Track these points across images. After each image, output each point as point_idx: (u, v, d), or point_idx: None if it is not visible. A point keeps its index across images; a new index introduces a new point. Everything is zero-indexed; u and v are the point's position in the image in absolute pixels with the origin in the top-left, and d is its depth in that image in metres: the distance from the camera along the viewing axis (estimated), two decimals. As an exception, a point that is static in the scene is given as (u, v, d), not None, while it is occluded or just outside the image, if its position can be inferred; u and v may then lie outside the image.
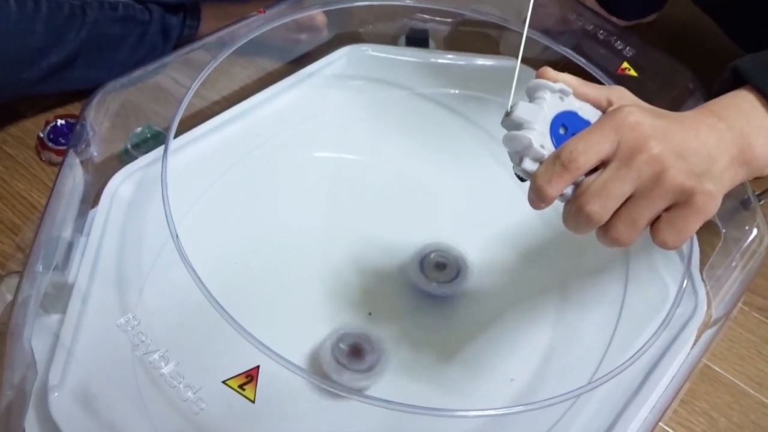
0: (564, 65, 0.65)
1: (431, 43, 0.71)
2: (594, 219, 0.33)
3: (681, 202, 0.33)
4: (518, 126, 0.34)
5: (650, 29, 0.83)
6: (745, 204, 0.53)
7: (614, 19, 0.79)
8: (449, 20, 0.71)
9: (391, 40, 0.70)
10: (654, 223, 0.34)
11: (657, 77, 0.60)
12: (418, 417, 0.36)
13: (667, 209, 0.33)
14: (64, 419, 0.39)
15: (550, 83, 0.35)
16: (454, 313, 0.52)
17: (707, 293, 0.50)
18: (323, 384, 0.34)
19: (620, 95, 0.37)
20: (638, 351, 0.40)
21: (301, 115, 0.62)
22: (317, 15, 0.68)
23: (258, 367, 0.36)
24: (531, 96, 0.36)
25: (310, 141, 0.61)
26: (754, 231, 0.51)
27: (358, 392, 0.34)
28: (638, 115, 0.33)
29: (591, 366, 0.48)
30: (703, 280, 0.51)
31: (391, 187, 0.59)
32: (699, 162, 0.33)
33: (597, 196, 0.33)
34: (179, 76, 0.59)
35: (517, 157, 0.35)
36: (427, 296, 0.53)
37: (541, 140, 0.34)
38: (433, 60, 0.68)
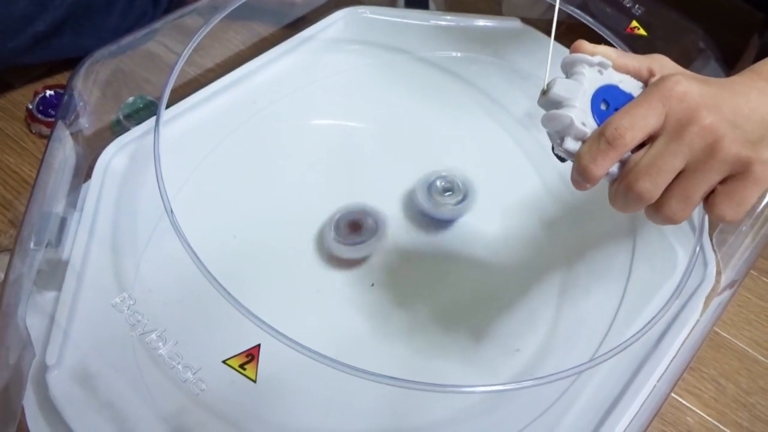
0: (570, 25, 0.63)
1: (431, 4, 0.68)
2: (645, 197, 0.32)
3: (737, 172, 0.31)
4: (557, 104, 0.33)
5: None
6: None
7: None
8: (450, -20, 0.68)
9: (390, 2, 0.68)
10: (709, 196, 0.32)
11: (667, 36, 0.58)
12: (425, 392, 0.35)
13: (722, 181, 0.32)
14: (63, 399, 0.39)
15: (588, 57, 0.33)
16: (461, 281, 0.51)
17: (717, 261, 0.49)
18: (326, 362, 0.33)
19: (661, 64, 0.35)
20: (649, 322, 0.39)
21: (298, 81, 0.61)
22: (313, -24, 0.66)
23: (259, 345, 0.35)
24: (568, 72, 0.34)
25: (308, 108, 0.60)
26: (767, 196, 0.49)
27: (362, 370, 0.33)
28: (685, 84, 0.31)
29: (599, 335, 0.48)
30: (713, 246, 0.50)
31: (392, 153, 0.58)
32: (753, 129, 0.31)
33: (647, 173, 0.31)
34: (170, 42, 0.57)
35: (557, 137, 0.33)
36: (435, 255, 0.52)
37: (582, 118, 0.32)
38: (433, 22, 0.66)
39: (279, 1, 0.67)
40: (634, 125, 0.31)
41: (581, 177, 0.32)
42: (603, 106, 0.33)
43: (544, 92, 0.33)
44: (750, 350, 0.53)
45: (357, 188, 0.55)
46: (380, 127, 0.60)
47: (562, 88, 0.32)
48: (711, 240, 0.50)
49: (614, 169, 0.32)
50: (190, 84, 0.59)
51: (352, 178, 0.56)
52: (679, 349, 0.45)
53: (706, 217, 0.51)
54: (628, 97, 0.33)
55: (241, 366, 0.35)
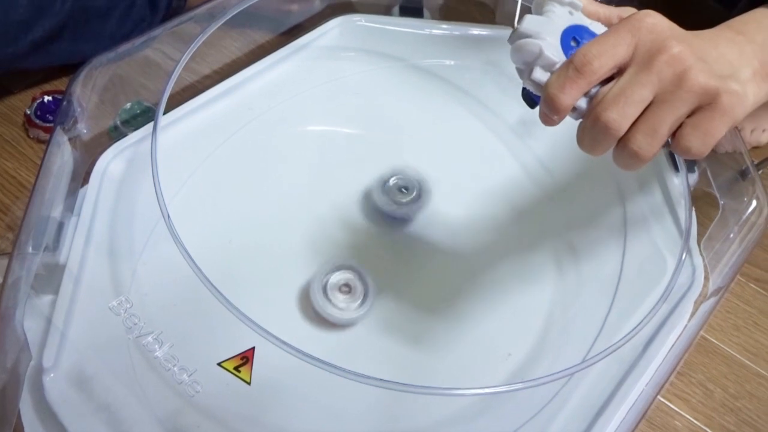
0: None
1: (426, 12, 0.69)
2: (612, 128, 0.31)
3: (705, 104, 0.31)
4: (526, 38, 0.33)
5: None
6: (743, 174, 0.52)
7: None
8: (444, -11, 0.69)
9: (385, 10, 0.69)
10: (676, 131, 0.32)
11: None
12: (417, 395, 0.36)
13: (690, 115, 0.31)
14: (60, 402, 0.39)
15: None
16: (455, 285, 0.52)
17: (705, 265, 0.50)
18: (320, 365, 0.34)
19: (630, 13, 0.34)
20: (638, 325, 0.40)
21: (294, 88, 0.61)
22: (309, -15, 0.66)
23: (253, 348, 0.36)
24: (539, 11, 0.34)
25: (304, 114, 0.60)
26: (754, 202, 0.50)
27: (355, 373, 0.34)
28: (655, 16, 0.31)
29: (589, 339, 0.48)
30: (701, 252, 0.51)
31: (386, 159, 0.58)
32: (721, 67, 0.31)
33: (615, 102, 0.30)
34: (168, 49, 0.58)
35: (527, 70, 0.33)
36: (436, 269, 0.52)
37: (551, 51, 0.32)
38: (427, 30, 0.66)
39: (275, 9, 0.68)
40: (602, 53, 0.31)
41: (549, 107, 0.32)
42: (572, 43, 0.33)
43: (515, 30, 0.33)
44: (737, 355, 0.54)
45: (352, 191, 0.56)
46: (375, 133, 0.60)
47: (532, 22, 0.33)
48: (699, 245, 0.51)
49: (582, 103, 0.32)
50: (187, 90, 0.59)
51: (347, 182, 0.57)
52: (668, 353, 0.46)
53: (694, 222, 0.52)
54: None
55: (236, 368, 0.35)
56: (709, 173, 0.54)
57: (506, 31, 0.66)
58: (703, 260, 0.50)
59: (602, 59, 0.31)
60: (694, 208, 0.53)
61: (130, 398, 0.40)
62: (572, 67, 0.31)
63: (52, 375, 0.40)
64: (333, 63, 0.64)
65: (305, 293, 0.49)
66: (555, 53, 0.32)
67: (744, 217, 0.50)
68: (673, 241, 0.52)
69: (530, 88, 0.33)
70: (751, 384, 0.52)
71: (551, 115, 0.32)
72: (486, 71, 0.65)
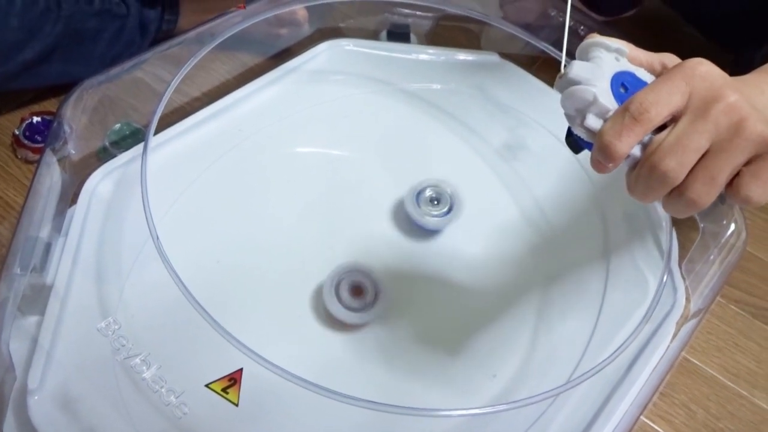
0: (544, 60, 0.65)
1: (412, 38, 0.70)
2: (670, 177, 0.30)
3: (763, 152, 0.30)
4: (576, 85, 0.32)
5: (631, 24, 0.83)
6: (722, 198, 0.53)
7: (594, 14, 0.79)
8: (430, 15, 0.70)
9: (373, 35, 0.70)
10: (733, 179, 0.31)
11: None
12: (404, 416, 0.36)
13: (747, 163, 0.31)
14: (44, 423, 0.39)
15: (606, 41, 0.33)
16: (440, 305, 0.52)
17: (686, 287, 0.51)
18: (307, 386, 0.34)
19: (673, 60, 0.35)
20: (620, 346, 0.41)
21: (283, 110, 0.62)
22: (298, 10, 0.67)
23: (241, 369, 0.36)
24: (585, 56, 0.34)
25: (292, 136, 0.61)
26: (732, 226, 0.52)
27: (342, 394, 0.34)
28: (708, 65, 0.31)
29: (573, 360, 0.49)
30: (682, 274, 0.52)
31: (373, 181, 0.59)
32: None
33: (672, 151, 0.30)
34: (158, 71, 0.58)
35: (578, 117, 0.32)
36: (420, 292, 0.53)
37: (604, 98, 0.32)
38: (414, 55, 0.68)
39: (265, 33, 0.69)
40: (659, 101, 0.31)
41: (604, 155, 0.31)
42: (622, 90, 0.32)
43: (562, 75, 0.33)
44: (719, 376, 0.55)
45: (339, 213, 0.56)
46: (361, 155, 0.61)
47: (582, 69, 0.32)
48: (680, 268, 0.52)
49: (636, 151, 0.32)
50: (176, 112, 0.60)
51: (334, 203, 0.57)
52: (651, 374, 0.46)
53: (675, 245, 0.53)
54: (646, 85, 0.33)
55: (224, 390, 0.35)
56: (689, 197, 0.55)
57: (490, 57, 0.68)
58: (684, 282, 0.51)
59: (659, 107, 0.31)
60: (675, 231, 0.54)
61: (116, 420, 0.40)
62: (628, 114, 0.31)
63: (36, 396, 0.40)
64: (321, 86, 0.64)
65: (292, 314, 0.50)
66: (608, 100, 0.32)
67: (723, 240, 0.51)
68: (655, 263, 0.53)
69: (582, 135, 0.33)
70: (733, 405, 0.53)
71: (606, 162, 0.32)
72: (472, 95, 0.66)
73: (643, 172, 0.32)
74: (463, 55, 0.68)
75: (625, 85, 0.33)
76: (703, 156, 0.31)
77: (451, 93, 0.66)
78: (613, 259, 0.54)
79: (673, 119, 0.31)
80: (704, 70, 0.31)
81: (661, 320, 0.49)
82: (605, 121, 0.32)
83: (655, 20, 0.85)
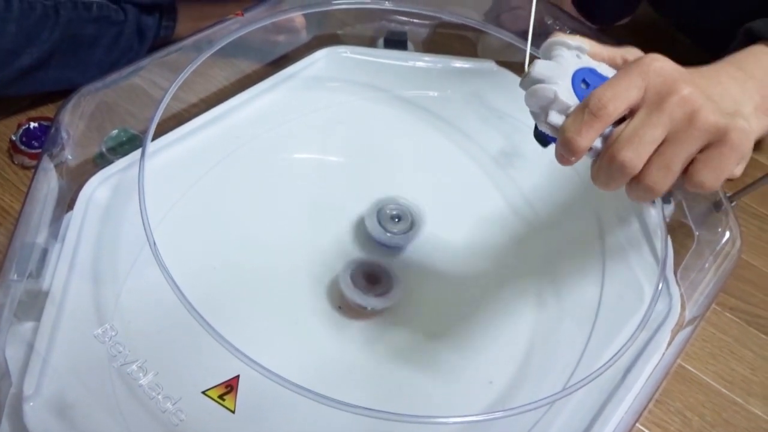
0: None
1: (409, 45, 0.71)
2: (628, 167, 0.32)
3: (715, 141, 0.32)
4: (539, 83, 0.34)
5: (625, 31, 0.84)
6: (717, 206, 0.54)
7: (588, 23, 0.79)
8: (427, 23, 0.71)
9: (370, 42, 0.70)
10: (688, 166, 0.33)
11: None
12: (402, 423, 0.36)
13: (700, 150, 0.33)
14: (40, 430, 0.39)
15: (567, 40, 0.35)
16: (437, 311, 0.53)
17: (681, 295, 0.51)
18: (304, 393, 0.34)
19: (634, 53, 0.36)
20: (616, 353, 0.41)
21: (280, 117, 0.62)
22: (296, 17, 0.68)
23: (238, 376, 0.36)
24: (547, 55, 0.36)
25: (289, 143, 0.61)
26: (727, 233, 0.52)
27: (339, 401, 0.34)
28: (663, 60, 0.33)
29: (569, 367, 0.49)
30: (677, 281, 0.52)
31: (370, 187, 0.59)
32: (726, 104, 0.33)
33: (629, 142, 0.32)
34: (155, 77, 0.58)
35: (542, 114, 0.34)
36: (419, 298, 0.53)
37: (565, 95, 0.33)
38: (411, 62, 0.68)
39: (263, 39, 0.69)
40: (616, 96, 0.32)
41: (566, 149, 0.33)
42: (583, 86, 0.34)
43: (526, 74, 0.34)
44: (714, 384, 0.55)
45: (336, 218, 0.57)
46: (360, 162, 0.61)
47: (543, 67, 0.34)
48: (675, 275, 0.52)
49: (597, 143, 0.33)
50: (173, 118, 0.60)
51: (331, 209, 0.58)
52: (646, 381, 0.46)
53: (670, 252, 0.53)
54: (606, 80, 0.34)
55: (221, 397, 0.35)
56: (684, 205, 0.55)
57: (487, 64, 0.69)
58: (680, 289, 0.51)
59: (616, 102, 0.32)
60: (670, 239, 0.54)
61: (113, 427, 0.40)
62: (588, 110, 0.32)
63: (32, 403, 0.40)
64: (319, 93, 0.65)
65: (288, 320, 0.50)
66: (568, 97, 0.33)
67: (718, 247, 0.52)
68: (651, 271, 0.53)
69: (546, 131, 0.34)
70: (728, 412, 0.53)
71: (569, 156, 0.34)
72: (468, 102, 0.66)
73: (604, 163, 0.33)
74: (459, 63, 0.68)
75: (586, 81, 0.34)
76: (659, 146, 0.32)
77: (447, 100, 0.66)
78: (609, 266, 0.54)
79: (631, 112, 0.33)
80: (659, 65, 0.33)
81: (657, 327, 0.49)
82: (567, 117, 0.33)
83: (648, 28, 0.85)
